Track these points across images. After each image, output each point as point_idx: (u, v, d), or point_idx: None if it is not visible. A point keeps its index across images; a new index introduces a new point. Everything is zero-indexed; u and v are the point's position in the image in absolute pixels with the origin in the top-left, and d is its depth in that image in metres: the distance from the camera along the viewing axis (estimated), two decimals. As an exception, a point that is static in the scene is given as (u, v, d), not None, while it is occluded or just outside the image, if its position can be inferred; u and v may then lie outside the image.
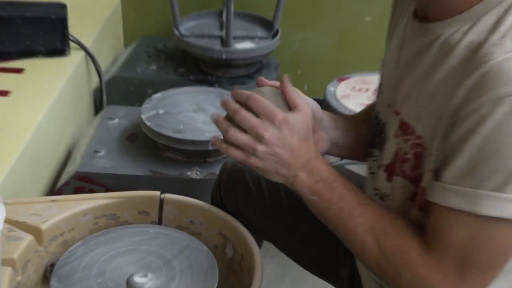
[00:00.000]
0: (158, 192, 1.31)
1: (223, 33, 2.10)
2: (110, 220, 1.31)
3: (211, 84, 2.08)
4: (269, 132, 0.94)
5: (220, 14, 2.28)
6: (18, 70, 1.88)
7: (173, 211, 1.32)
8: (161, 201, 1.31)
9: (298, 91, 1.07)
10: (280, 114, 0.94)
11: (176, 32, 2.14)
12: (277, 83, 1.06)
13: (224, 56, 2.07)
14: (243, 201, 1.29)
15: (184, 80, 2.12)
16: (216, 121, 1.01)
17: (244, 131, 0.96)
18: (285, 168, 0.96)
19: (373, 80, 2.00)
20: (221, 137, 1.02)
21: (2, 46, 1.90)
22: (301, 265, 1.37)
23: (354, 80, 2.01)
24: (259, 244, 1.38)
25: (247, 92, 0.98)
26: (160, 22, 2.43)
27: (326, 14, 2.45)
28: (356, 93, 1.98)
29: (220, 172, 1.37)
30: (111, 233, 1.27)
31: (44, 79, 1.85)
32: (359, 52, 2.49)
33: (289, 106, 1.01)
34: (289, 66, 2.53)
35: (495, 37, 0.80)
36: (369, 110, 1.23)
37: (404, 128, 0.93)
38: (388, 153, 0.98)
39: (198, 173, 1.61)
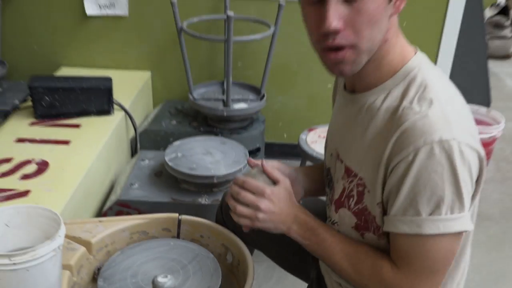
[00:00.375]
0: (177, 214, 1.32)
1: (224, 97, 2.12)
2: (142, 235, 1.31)
3: (215, 134, 2.09)
4: (263, 204, 0.97)
5: (222, 83, 2.31)
6: (76, 125, 1.89)
7: (188, 228, 1.32)
8: (179, 221, 1.32)
9: (275, 164, 1.12)
10: (267, 189, 0.98)
11: (191, 97, 2.17)
12: (259, 162, 1.09)
13: (225, 114, 2.09)
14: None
15: (196, 131, 2.13)
16: (227, 200, 1.05)
17: (247, 205, 0.99)
18: (281, 224, 0.99)
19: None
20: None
21: (65, 108, 1.92)
22: (282, 268, 1.37)
23: (320, 130, 2.03)
24: (251, 252, 1.38)
25: (242, 178, 1.02)
26: (179, 89, 2.46)
27: (299, 83, 2.48)
28: (322, 139, 1.98)
29: (222, 199, 1.37)
30: (142, 245, 1.27)
31: (95, 132, 1.86)
32: (323, 110, 2.50)
33: (273, 181, 1.04)
34: (272, 120, 2.56)
35: (405, 103, 0.84)
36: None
37: (349, 172, 0.95)
38: (337, 191, 0.99)
39: (207, 200, 1.62)
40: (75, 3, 2.36)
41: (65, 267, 1.13)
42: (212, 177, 1.61)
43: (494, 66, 4.20)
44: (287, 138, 2.61)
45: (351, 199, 0.93)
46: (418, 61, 0.88)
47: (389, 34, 0.86)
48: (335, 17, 0.76)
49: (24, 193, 1.47)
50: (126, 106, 2.06)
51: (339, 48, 0.82)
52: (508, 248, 2.07)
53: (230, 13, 1.96)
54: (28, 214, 1.04)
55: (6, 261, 0.89)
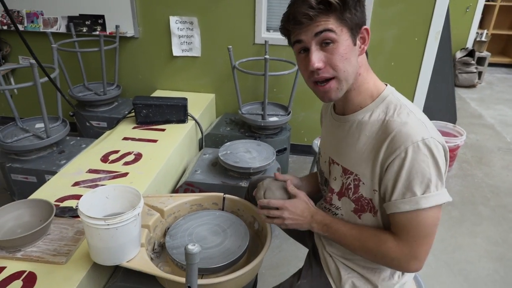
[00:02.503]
0: (222, 194, 1.31)
1: (262, 113, 2.10)
2: (198, 207, 1.31)
3: (255, 138, 2.07)
4: (285, 214, 0.95)
5: (261, 103, 2.28)
6: (162, 130, 1.92)
7: (229, 203, 1.31)
8: (224, 198, 1.31)
9: (290, 177, 1.07)
10: (287, 203, 0.96)
11: (240, 112, 2.16)
12: (285, 177, 1.06)
13: (262, 124, 2.07)
14: None
15: (243, 135, 2.12)
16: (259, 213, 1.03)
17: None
18: (304, 224, 0.95)
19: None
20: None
21: (155, 118, 1.96)
22: (289, 235, 1.29)
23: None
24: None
25: (266, 200, 0.99)
26: (233, 106, 2.46)
27: (315, 103, 2.41)
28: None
29: (248, 186, 1.33)
30: (197, 214, 1.27)
31: (174, 134, 1.88)
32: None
33: (290, 194, 1.01)
34: (297, 128, 2.51)
35: (388, 117, 0.81)
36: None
37: (345, 171, 0.90)
38: (336, 186, 0.93)
39: (245, 184, 1.60)
40: (166, 48, 2.40)
41: (145, 226, 1.15)
42: (249, 168, 1.59)
43: (462, 93, 4.05)
44: (307, 141, 2.56)
45: (350, 191, 0.89)
46: (390, 90, 0.85)
47: (361, 70, 0.83)
48: (316, 59, 0.78)
49: (125, 174, 1.50)
50: (196, 117, 2.07)
51: (324, 81, 0.81)
52: (464, 227, 1.94)
53: (267, 56, 1.95)
54: (120, 191, 1.06)
55: (102, 222, 0.91)
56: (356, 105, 0.86)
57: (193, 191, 1.62)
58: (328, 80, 0.80)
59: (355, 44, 0.80)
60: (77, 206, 1.02)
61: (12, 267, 1.03)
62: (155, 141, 1.79)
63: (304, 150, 2.57)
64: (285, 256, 1.71)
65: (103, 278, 1.11)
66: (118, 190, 1.06)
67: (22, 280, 0.99)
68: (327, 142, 0.98)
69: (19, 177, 1.68)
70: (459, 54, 4.29)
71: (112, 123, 2.00)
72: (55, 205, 1.30)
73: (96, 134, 1.91)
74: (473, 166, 2.56)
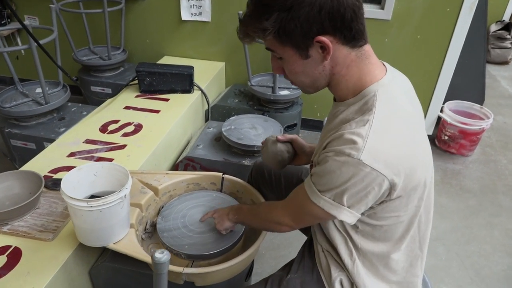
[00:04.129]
0: (221, 174, 1.24)
1: (273, 85, 1.98)
2: (195, 186, 1.25)
3: (264, 112, 1.97)
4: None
5: (273, 75, 2.16)
6: (166, 99, 1.84)
7: (228, 184, 1.25)
8: (222, 178, 1.24)
9: (295, 139, 1.08)
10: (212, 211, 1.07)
11: (249, 83, 2.05)
12: (288, 138, 1.08)
13: (272, 98, 1.96)
14: (264, 185, 1.20)
15: (251, 108, 2.02)
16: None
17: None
18: (224, 215, 1.02)
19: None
20: None
21: (159, 86, 1.88)
22: None
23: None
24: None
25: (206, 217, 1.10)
26: (243, 77, 2.34)
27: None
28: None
29: (251, 167, 1.26)
30: (193, 194, 1.21)
31: (178, 104, 1.80)
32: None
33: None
34: (310, 103, 2.38)
35: (353, 119, 0.71)
36: None
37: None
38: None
39: (248, 162, 1.53)
40: (175, 11, 2.26)
41: (136, 205, 1.10)
42: (253, 146, 1.51)
43: (492, 70, 3.80)
44: (320, 116, 2.44)
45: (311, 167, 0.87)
46: (376, 88, 0.72)
47: (336, 69, 0.73)
48: (275, 68, 0.79)
49: (122, 146, 1.45)
50: (203, 87, 1.98)
51: None
52: (481, 217, 1.84)
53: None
54: (109, 169, 1.00)
55: (84, 204, 0.85)
56: (339, 96, 0.78)
57: (193, 167, 1.56)
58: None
59: (306, 57, 0.72)
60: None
61: (-2, 241, 1.00)
62: (157, 111, 1.71)
63: (316, 125, 2.46)
64: (287, 237, 1.66)
65: (91, 257, 1.07)
66: (106, 168, 0.99)
67: (6, 255, 0.96)
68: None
69: (18, 143, 1.65)
70: (493, 27, 3.97)
71: (117, 90, 1.93)
72: (48, 176, 1.26)
73: (101, 100, 1.85)
74: (497, 151, 2.41)
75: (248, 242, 1.12)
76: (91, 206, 0.86)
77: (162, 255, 0.57)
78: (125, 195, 0.91)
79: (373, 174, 0.66)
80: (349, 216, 0.72)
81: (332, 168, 0.68)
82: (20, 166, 1.34)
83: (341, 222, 0.81)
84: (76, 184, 0.96)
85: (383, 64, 0.79)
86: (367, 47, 0.74)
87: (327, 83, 0.76)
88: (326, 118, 0.94)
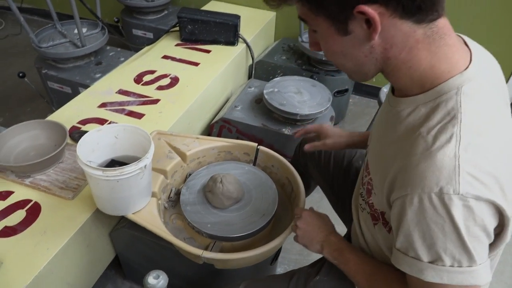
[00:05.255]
0: (256, 144, 1.12)
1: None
2: (227, 154, 1.14)
3: (312, 75, 1.77)
4: (300, 222, 0.80)
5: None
6: (207, 51, 1.70)
7: (263, 157, 1.12)
8: (257, 150, 1.12)
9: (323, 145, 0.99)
10: (305, 212, 0.81)
11: (300, 39, 1.84)
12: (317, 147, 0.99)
13: (324, 58, 1.75)
14: (312, 161, 1.07)
15: (299, 68, 1.83)
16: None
17: None
18: (314, 242, 0.76)
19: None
20: None
21: (201, 36, 1.72)
22: (330, 202, 1.10)
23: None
24: (314, 187, 1.16)
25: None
26: (294, 30, 2.11)
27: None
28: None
29: (301, 140, 1.14)
30: (223, 164, 1.10)
31: (220, 57, 1.65)
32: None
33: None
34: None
35: (424, 128, 0.51)
36: None
37: (366, 166, 0.66)
38: (363, 175, 0.71)
39: (289, 131, 1.38)
40: None
41: (161, 171, 1.02)
42: (296, 114, 1.35)
43: None
44: (375, 82, 2.19)
45: (364, 190, 0.67)
46: (460, 82, 0.51)
47: (391, 52, 0.53)
48: (311, 42, 0.61)
49: (156, 101, 1.35)
50: (249, 39, 1.80)
51: None
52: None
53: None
54: (131, 132, 0.90)
55: (100, 173, 0.77)
56: (400, 90, 0.58)
57: (229, 130, 1.44)
58: None
59: (346, 33, 0.53)
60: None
61: (20, 193, 0.97)
62: (196, 64, 1.58)
63: (370, 92, 2.22)
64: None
65: (112, 220, 1.03)
66: (128, 131, 0.90)
67: (26, 210, 0.93)
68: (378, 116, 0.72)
69: (55, 86, 1.61)
70: None
71: (159, 35, 1.80)
72: (76, 127, 1.21)
73: (143, 43, 1.74)
74: None
75: (277, 225, 1.01)
76: (107, 176, 0.77)
77: (156, 282, 0.47)
78: (145, 165, 0.81)
79: (484, 205, 0.47)
80: (487, 271, 0.50)
81: (421, 220, 0.48)
82: (57, 109, 1.29)
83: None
84: (96, 146, 0.88)
85: (464, 43, 0.56)
86: (443, 22, 0.52)
87: (379, 69, 0.57)
88: (386, 90, 0.76)
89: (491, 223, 0.48)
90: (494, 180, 0.47)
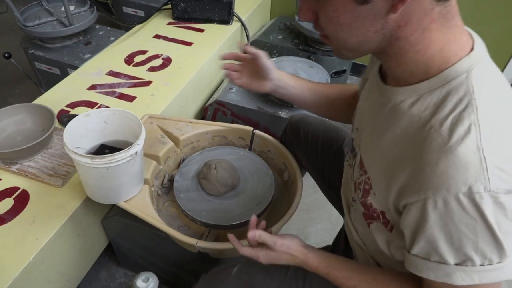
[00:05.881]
0: (252, 128, 1.08)
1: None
2: (222, 139, 1.11)
3: (309, 56, 1.71)
4: (261, 256, 0.67)
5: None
6: (201, 30, 1.63)
7: (259, 141, 1.09)
8: (253, 134, 1.08)
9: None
10: (277, 243, 0.66)
11: (296, 18, 1.77)
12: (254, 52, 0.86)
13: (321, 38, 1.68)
14: (299, 147, 1.01)
15: (296, 48, 1.77)
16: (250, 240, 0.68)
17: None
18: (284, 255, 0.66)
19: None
20: None
21: (194, 14, 1.65)
22: (323, 192, 1.04)
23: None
24: (303, 173, 1.12)
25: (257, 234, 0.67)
26: (292, 8, 2.04)
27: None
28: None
29: (286, 124, 1.07)
30: (217, 150, 1.07)
31: (214, 37, 1.59)
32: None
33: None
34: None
35: (435, 121, 0.46)
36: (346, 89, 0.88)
37: (361, 165, 0.61)
38: (356, 173, 0.64)
39: (285, 114, 1.34)
40: None
41: (154, 157, 0.99)
42: (293, 96, 1.30)
43: None
44: (373, 62, 2.14)
45: (359, 191, 0.62)
46: (469, 65, 0.47)
47: (403, 33, 0.47)
48: (304, 8, 0.51)
49: (147, 83, 1.30)
50: (244, 18, 1.73)
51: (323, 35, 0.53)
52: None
53: None
54: (121, 116, 0.86)
55: (88, 161, 0.74)
56: (399, 77, 0.52)
57: (224, 113, 1.40)
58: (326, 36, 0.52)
59: (365, 2, 0.45)
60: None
61: (7, 180, 0.94)
62: (189, 44, 1.52)
63: (368, 72, 2.18)
64: (318, 198, 1.52)
65: (104, 207, 1.00)
66: (118, 116, 0.86)
67: (13, 198, 0.90)
68: (362, 107, 0.66)
69: (43, 67, 1.55)
70: None
71: (150, 13, 1.73)
72: (65, 110, 1.16)
73: (133, 22, 1.67)
74: None
75: (274, 213, 0.99)
76: (96, 164, 0.74)
77: (146, 285, 0.44)
78: (136, 152, 0.78)
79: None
80: None
81: (449, 223, 0.44)
82: (46, 91, 1.24)
83: (388, 240, 0.58)
84: (84, 131, 0.84)
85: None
86: (454, 1, 0.47)
87: (380, 49, 0.50)
88: (359, 105, 0.68)
89: None
90: None
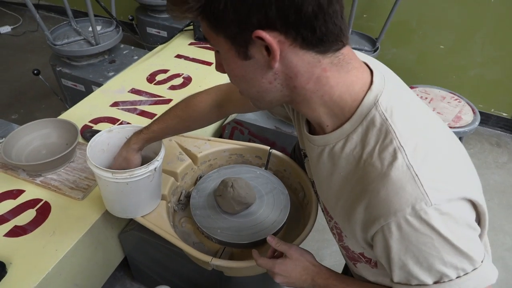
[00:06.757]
0: (268, 147, 1.09)
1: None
2: (238, 157, 1.12)
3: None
4: (277, 278, 0.69)
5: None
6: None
7: (275, 161, 1.10)
8: (269, 153, 1.09)
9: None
10: (276, 267, 0.68)
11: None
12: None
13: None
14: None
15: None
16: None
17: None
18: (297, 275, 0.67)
19: (432, 92, 1.56)
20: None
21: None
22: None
23: (419, 90, 1.58)
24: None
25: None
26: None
27: (414, 40, 1.94)
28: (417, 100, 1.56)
29: (295, 143, 1.08)
30: (234, 168, 1.09)
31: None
32: (431, 68, 1.99)
33: None
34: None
35: (365, 155, 0.48)
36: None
37: (326, 211, 0.62)
38: (327, 219, 0.64)
39: (302, 134, 1.35)
40: None
41: (171, 173, 1.01)
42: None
43: None
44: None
45: (335, 235, 0.62)
46: (374, 96, 0.48)
47: (297, 82, 0.48)
48: (216, 63, 0.54)
49: (168, 101, 1.34)
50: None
51: None
52: None
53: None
54: (142, 133, 0.89)
55: (109, 175, 0.76)
56: (317, 124, 0.54)
57: (241, 132, 1.42)
58: None
59: (246, 58, 0.46)
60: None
61: (30, 192, 0.97)
62: (209, 64, 1.57)
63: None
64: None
65: (122, 221, 1.02)
66: (139, 132, 0.88)
67: (36, 210, 0.93)
68: (310, 160, 0.65)
69: (69, 83, 1.62)
70: None
71: (173, 34, 1.80)
72: (88, 126, 1.20)
73: (156, 42, 1.73)
74: None
75: (289, 232, 0.99)
76: (116, 178, 0.76)
77: None
78: (155, 168, 0.80)
79: (461, 205, 0.46)
80: (490, 265, 0.48)
81: (409, 246, 0.45)
82: (71, 107, 1.29)
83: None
84: (106, 146, 0.87)
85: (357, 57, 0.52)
86: (347, 49, 0.48)
87: (286, 98, 0.51)
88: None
89: (471, 216, 0.47)
90: (453, 175, 0.46)
